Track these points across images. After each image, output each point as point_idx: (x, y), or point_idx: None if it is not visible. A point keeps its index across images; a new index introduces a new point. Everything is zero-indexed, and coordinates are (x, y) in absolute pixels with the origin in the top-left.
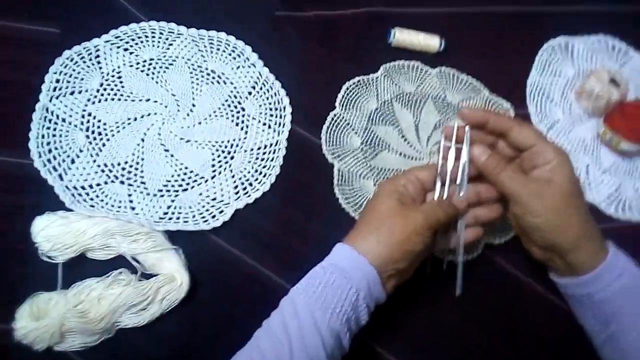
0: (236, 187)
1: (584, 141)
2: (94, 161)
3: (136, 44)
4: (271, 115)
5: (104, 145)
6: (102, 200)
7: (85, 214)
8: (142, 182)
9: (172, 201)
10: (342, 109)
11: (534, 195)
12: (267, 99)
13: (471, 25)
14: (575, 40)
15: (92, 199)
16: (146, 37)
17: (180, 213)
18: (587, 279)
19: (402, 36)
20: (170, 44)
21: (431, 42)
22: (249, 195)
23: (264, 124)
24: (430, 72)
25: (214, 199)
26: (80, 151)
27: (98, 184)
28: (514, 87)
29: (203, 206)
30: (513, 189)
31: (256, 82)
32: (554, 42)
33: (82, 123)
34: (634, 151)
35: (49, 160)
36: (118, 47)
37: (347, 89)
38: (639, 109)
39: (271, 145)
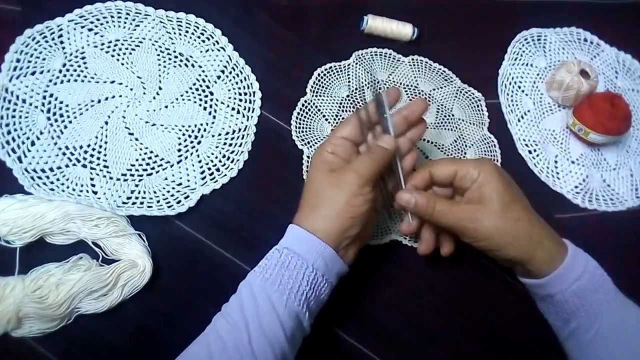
0: (203, 172)
1: (553, 132)
2: (55, 144)
3: (101, 24)
4: (240, 100)
5: (65, 127)
6: (62, 184)
7: (45, 198)
8: (105, 166)
9: (136, 186)
10: (312, 95)
11: (470, 221)
12: (237, 83)
13: (444, 14)
14: (547, 31)
15: (52, 183)
16: (112, 17)
17: (144, 198)
18: (545, 282)
19: (374, 23)
20: (137, 25)
21: (404, 30)
22: (216, 181)
23: (233, 109)
24: (403, 61)
25: (179, 184)
26: (41, 133)
27: (59, 167)
28: (485, 77)
29: (168, 191)
30: (449, 222)
31: (225, 66)
32: (526, 33)
33: (43, 104)
34: (602, 142)
35: (7, 142)
36: (82, 27)
37: (318, 75)
38: (608, 100)
39: (240, 130)
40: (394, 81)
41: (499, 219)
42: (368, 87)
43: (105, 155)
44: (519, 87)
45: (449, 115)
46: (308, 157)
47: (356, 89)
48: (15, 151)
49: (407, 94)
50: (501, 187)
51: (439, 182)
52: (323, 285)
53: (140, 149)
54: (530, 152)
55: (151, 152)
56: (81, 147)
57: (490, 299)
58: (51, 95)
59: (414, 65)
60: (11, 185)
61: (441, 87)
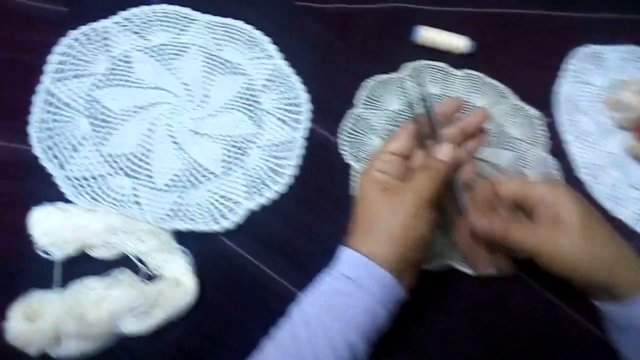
0: (249, 185)
1: (612, 154)
2: (98, 151)
3: (147, 27)
4: (287, 111)
5: (109, 134)
6: (105, 194)
7: (87, 208)
8: (149, 176)
9: (179, 197)
10: (362, 107)
11: (551, 245)
12: (283, 92)
13: (498, 27)
14: (605, 49)
15: (94, 192)
16: (158, 21)
17: (187, 211)
18: (632, 304)
19: (428, 34)
20: (183, 30)
21: (458, 42)
22: (263, 195)
23: (280, 120)
24: (456, 74)
25: (223, 197)
26: (84, 139)
27: (102, 176)
28: (541, 94)
29: (212, 204)
30: (527, 247)
31: (273, 75)
32: (584, 50)
33: (86, 109)
34: None
35: (49, 147)
36: (128, 30)
37: (369, 87)
38: None
39: (287, 142)
40: (446, 95)
41: (584, 242)
42: (419, 99)
43: (149, 164)
44: (577, 106)
45: (505, 134)
46: (357, 172)
47: (408, 102)
48: (57, 157)
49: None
50: (580, 209)
51: (503, 202)
52: (382, 314)
53: (185, 159)
54: (588, 174)
55: (196, 162)
56: (125, 155)
57: (557, 337)
58: (95, 100)
59: (468, 79)
60: (52, 193)
61: (496, 104)
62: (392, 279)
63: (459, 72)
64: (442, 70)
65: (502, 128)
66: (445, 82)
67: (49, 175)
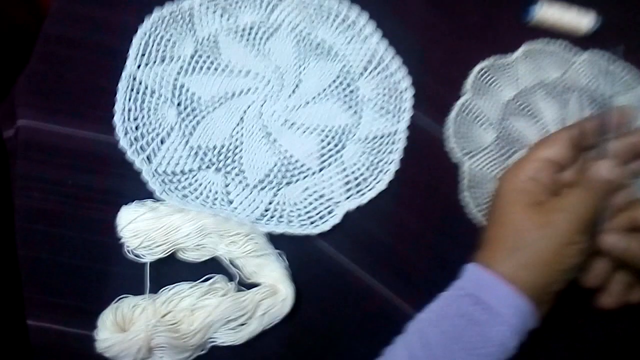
0: (347, 182)
1: None
2: (187, 142)
3: (234, 7)
4: (389, 99)
5: (197, 123)
6: (195, 190)
7: (178, 207)
8: (241, 171)
9: (275, 195)
10: (472, 97)
11: None
12: (385, 78)
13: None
14: None
15: (184, 188)
16: None
17: (284, 211)
18: None
19: (548, 12)
20: (274, 8)
21: (582, 20)
22: (363, 194)
23: (381, 109)
24: (580, 57)
25: (321, 196)
26: (172, 129)
27: (191, 170)
28: None
29: (310, 203)
30: None
31: (371, 59)
32: None
33: (173, 96)
34: None
35: (135, 139)
36: (214, 11)
37: (480, 71)
38: None
39: (389, 135)
40: (567, 82)
41: None
42: (595, 99)
43: (241, 157)
44: None
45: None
46: (469, 170)
47: (524, 89)
48: (145, 149)
49: (587, 96)
50: None
51: None
52: (513, 348)
53: (279, 153)
54: None
55: (291, 156)
56: (215, 147)
57: None
58: (182, 87)
59: (593, 62)
60: (140, 189)
61: (628, 92)
62: (532, 309)
63: (583, 54)
64: (563, 51)
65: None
66: (566, 64)
67: (137, 170)
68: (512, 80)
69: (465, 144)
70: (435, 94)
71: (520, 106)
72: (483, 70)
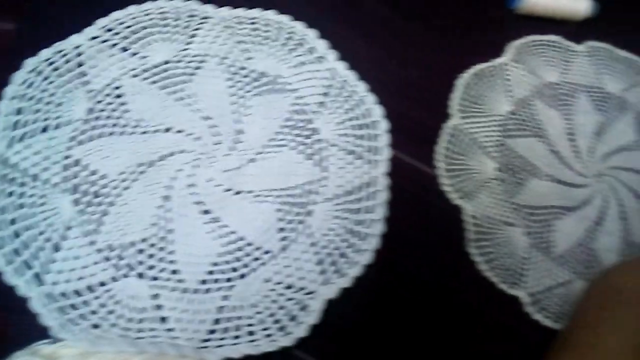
0: (321, 262)
1: None
2: (92, 243)
3: (140, 39)
4: (358, 138)
5: (105, 214)
6: (111, 313)
7: (83, 348)
8: (174, 272)
9: (225, 299)
10: (461, 117)
11: None
12: (348, 111)
13: None
14: None
15: (94, 313)
16: (154, 27)
17: (239, 319)
18: None
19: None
20: (193, 36)
21: (576, 5)
22: (344, 275)
23: (349, 152)
24: (577, 50)
25: (289, 287)
26: (68, 229)
27: (102, 283)
28: None
29: (274, 301)
30: None
31: (329, 86)
32: None
33: (65, 180)
34: None
35: (16, 251)
36: (112, 47)
37: (464, 85)
38: None
39: (365, 186)
40: (566, 82)
41: None
42: None
43: (172, 252)
44: None
45: None
46: (473, 216)
47: (520, 100)
48: (31, 264)
49: (592, 99)
50: None
51: None
52: None
53: (224, 235)
54: None
55: (240, 238)
56: (133, 244)
57: None
58: (76, 163)
59: (593, 55)
60: (30, 327)
61: (635, 85)
62: None
63: (580, 47)
64: (557, 47)
65: None
66: (564, 62)
67: (22, 297)
68: (504, 91)
69: (461, 180)
70: (415, 122)
71: (519, 122)
72: (469, 81)
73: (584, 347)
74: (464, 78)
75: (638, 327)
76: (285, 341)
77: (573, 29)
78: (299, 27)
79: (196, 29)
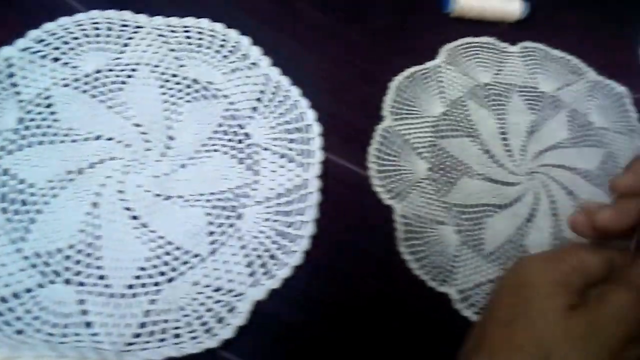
0: (250, 264)
1: None
2: (18, 252)
3: (72, 49)
4: (290, 141)
5: (32, 222)
6: (36, 319)
7: (7, 354)
8: (101, 277)
9: (152, 303)
10: (394, 119)
11: None
12: (281, 115)
13: None
14: None
15: (19, 319)
16: (86, 37)
17: (166, 323)
18: None
19: (468, 2)
20: (125, 45)
21: (509, 7)
22: (273, 276)
23: (281, 156)
24: (510, 51)
25: (217, 290)
26: None
27: (29, 290)
28: (622, 64)
29: (202, 303)
30: None
31: (262, 91)
32: None
33: None
34: None
35: None
36: (43, 57)
37: (398, 88)
38: None
39: (296, 188)
40: (500, 83)
41: None
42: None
43: (99, 258)
44: None
45: (586, 124)
46: (404, 216)
47: (453, 101)
48: None
49: (525, 99)
50: None
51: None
52: None
53: (152, 240)
54: None
55: (169, 243)
56: (60, 250)
57: None
58: (5, 173)
59: (527, 56)
60: None
61: (569, 84)
62: None
63: (514, 48)
64: (491, 49)
65: (581, 117)
66: (498, 63)
67: None
68: (438, 93)
69: (393, 181)
70: (348, 125)
71: (452, 123)
72: (401, 83)
73: (497, 344)
74: (397, 81)
75: (548, 322)
76: (211, 343)
77: (507, 31)
78: (233, 34)
79: (129, 38)
